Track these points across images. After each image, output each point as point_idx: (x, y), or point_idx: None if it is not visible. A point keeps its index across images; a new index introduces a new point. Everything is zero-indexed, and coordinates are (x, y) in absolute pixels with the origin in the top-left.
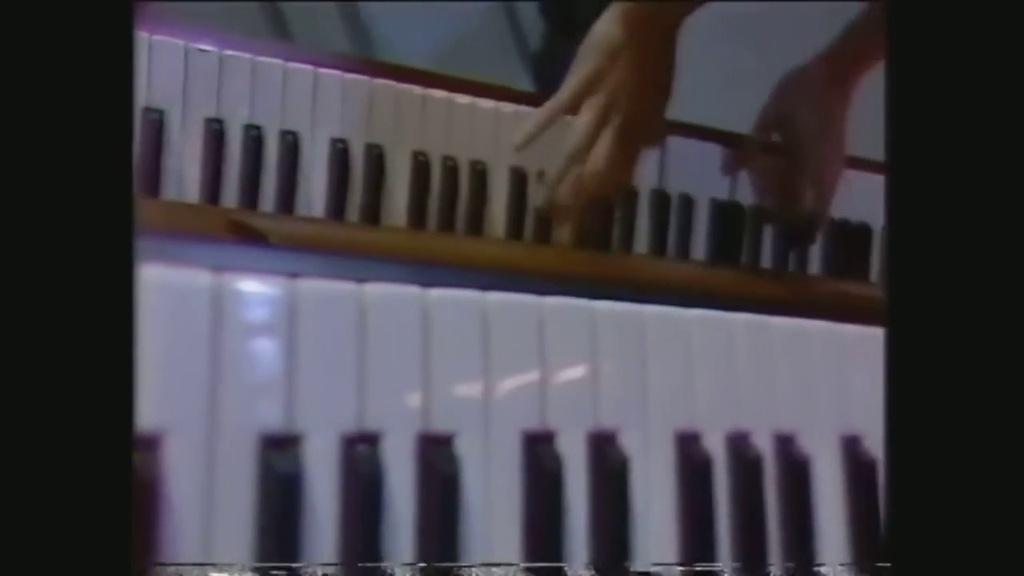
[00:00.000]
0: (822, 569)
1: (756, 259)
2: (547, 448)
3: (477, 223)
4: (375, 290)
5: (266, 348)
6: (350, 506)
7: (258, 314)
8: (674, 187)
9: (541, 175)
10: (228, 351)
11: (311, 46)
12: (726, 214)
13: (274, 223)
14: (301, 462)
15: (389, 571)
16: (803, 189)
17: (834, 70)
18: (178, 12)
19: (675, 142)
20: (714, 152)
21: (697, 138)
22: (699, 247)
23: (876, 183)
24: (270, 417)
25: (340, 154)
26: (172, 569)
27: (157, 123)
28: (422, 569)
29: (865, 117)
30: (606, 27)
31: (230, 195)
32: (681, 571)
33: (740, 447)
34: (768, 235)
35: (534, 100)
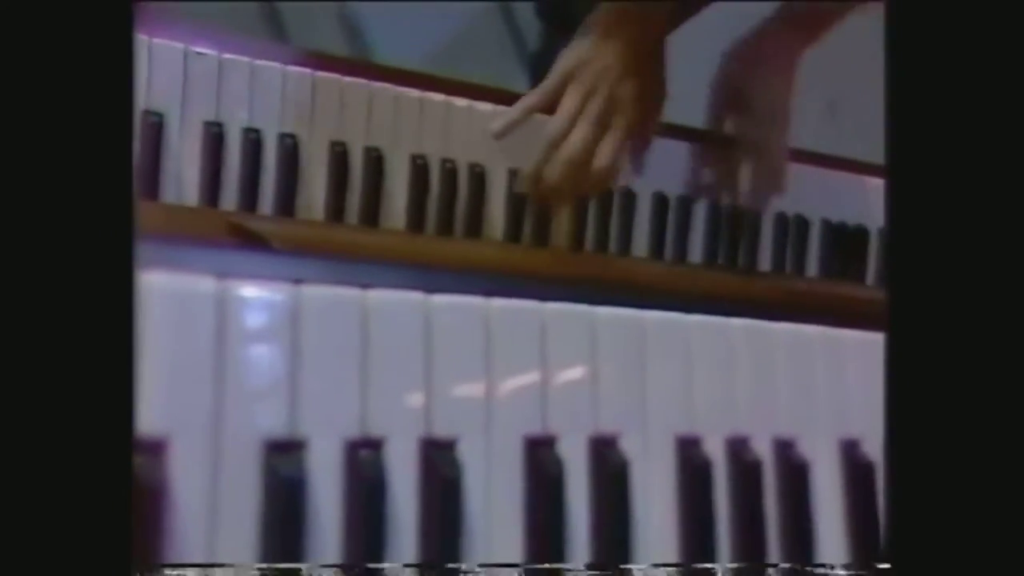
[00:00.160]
0: (821, 572)
1: (753, 261)
2: (548, 452)
3: (476, 225)
4: (378, 296)
5: (270, 353)
6: (353, 510)
7: (262, 319)
8: (672, 189)
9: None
10: (232, 356)
11: (308, 47)
12: (723, 216)
13: (274, 226)
14: (305, 467)
15: (392, 574)
16: (756, 172)
17: (779, 41)
18: (177, 12)
19: (675, 144)
20: None
21: (697, 140)
22: (697, 248)
23: (872, 186)
24: (274, 422)
25: (339, 157)
26: (176, 572)
27: (156, 126)
28: (424, 572)
29: (865, 118)
30: (593, 17)
31: (229, 198)
32: (680, 572)
33: (740, 451)
34: (767, 236)
35: None
